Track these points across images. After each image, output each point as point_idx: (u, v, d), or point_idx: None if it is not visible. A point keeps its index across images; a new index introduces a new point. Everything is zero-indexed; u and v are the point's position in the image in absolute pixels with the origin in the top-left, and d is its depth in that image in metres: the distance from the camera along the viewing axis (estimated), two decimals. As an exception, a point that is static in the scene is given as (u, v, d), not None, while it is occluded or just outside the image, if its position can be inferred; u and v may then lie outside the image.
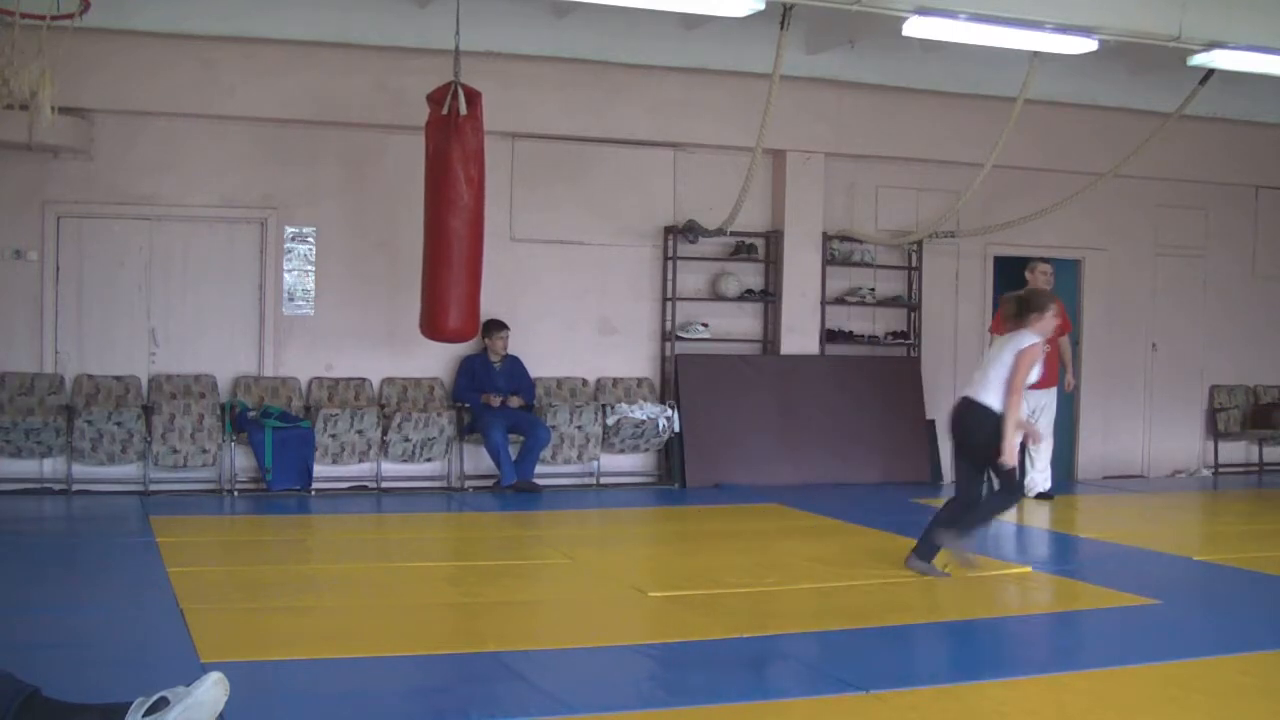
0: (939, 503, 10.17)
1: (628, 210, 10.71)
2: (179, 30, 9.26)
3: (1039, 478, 10.07)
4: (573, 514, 9.31)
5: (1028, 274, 10.01)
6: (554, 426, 10.06)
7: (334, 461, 9.62)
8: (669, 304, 10.81)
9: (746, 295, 11.01)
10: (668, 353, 10.83)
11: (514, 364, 10.25)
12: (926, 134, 11.13)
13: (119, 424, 9.10)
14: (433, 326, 8.94)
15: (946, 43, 9.02)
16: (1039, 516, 9.43)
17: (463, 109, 8.59)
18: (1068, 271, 11.62)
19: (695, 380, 10.72)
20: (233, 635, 5.18)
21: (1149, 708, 4.47)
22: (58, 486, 9.28)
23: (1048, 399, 10.00)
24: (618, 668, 4.90)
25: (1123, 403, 12.22)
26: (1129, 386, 12.27)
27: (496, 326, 10.11)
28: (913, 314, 11.55)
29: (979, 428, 6.61)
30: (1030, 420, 9.95)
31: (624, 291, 10.77)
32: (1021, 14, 8.17)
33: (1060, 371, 10.16)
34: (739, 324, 11.14)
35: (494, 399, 9.95)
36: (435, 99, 8.66)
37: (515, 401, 10.06)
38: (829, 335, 11.21)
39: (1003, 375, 6.57)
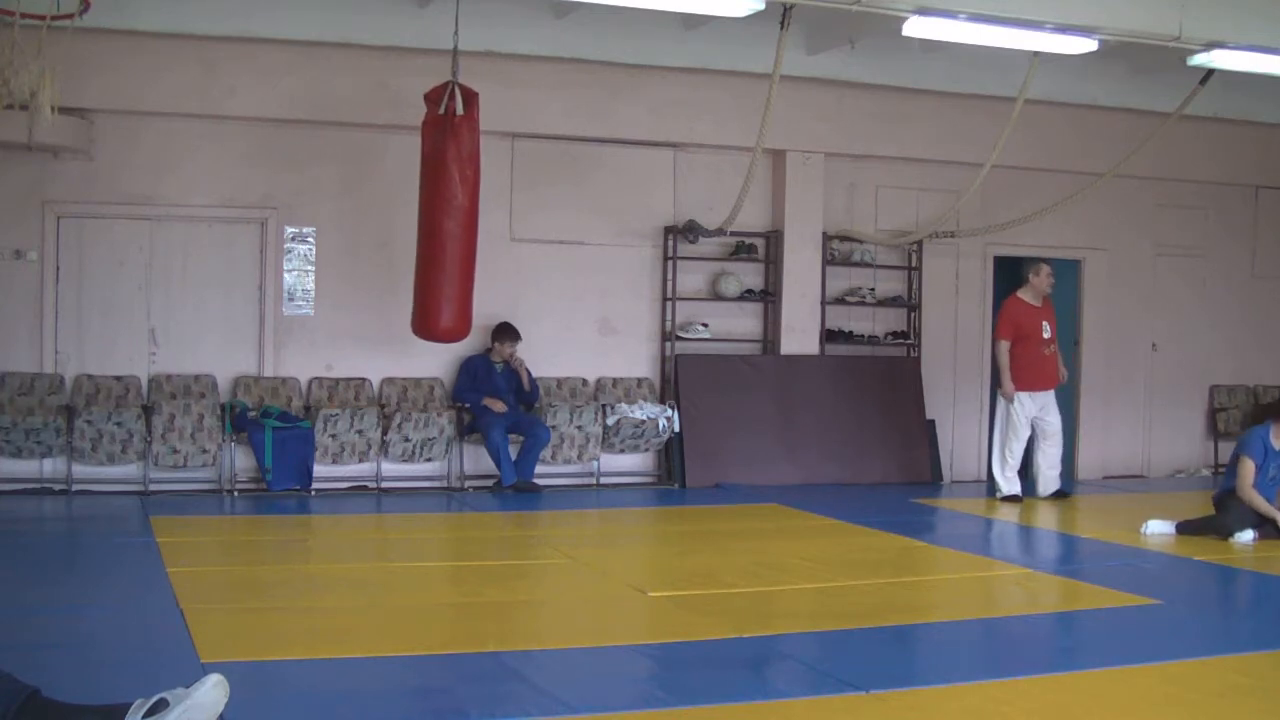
0: (939, 502, 10.27)
1: (628, 210, 10.71)
2: (179, 30, 9.26)
3: (1051, 474, 10.06)
4: (573, 514, 9.30)
5: (1031, 276, 10.01)
6: (554, 426, 10.06)
7: (334, 461, 9.61)
8: (669, 304, 10.81)
9: (746, 295, 11.01)
10: (668, 353, 10.83)
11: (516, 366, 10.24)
12: (926, 134, 11.12)
13: (119, 424, 9.10)
14: (424, 326, 8.91)
15: (946, 43, 9.02)
16: (1040, 516, 9.42)
17: (459, 109, 8.58)
18: (1068, 271, 11.61)
19: (695, 380, 10.72)
20: (233, 635, 5.17)
21: (1149, 708, 4.47)
22: (58, 486, 9.28)
23: (1050, 399, 10.00)
24: (618, 668, 4.90)
25: (1123, 403, 12.22)
26: (1129, 386, 12.27)
27: (510, 335, 10.05)
28: (913, 314, 11.54)
29: None
30: (1038, 419, 9.98)
31: (624, 291, 10.77)
32: (1021, 14, 8.17)
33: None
34: (739, 324, 11.13)
35: (496, 404, 9.94)
36: (432, 98, 8.65)
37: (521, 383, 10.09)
38: (829, 335, 11.21)
39: None
